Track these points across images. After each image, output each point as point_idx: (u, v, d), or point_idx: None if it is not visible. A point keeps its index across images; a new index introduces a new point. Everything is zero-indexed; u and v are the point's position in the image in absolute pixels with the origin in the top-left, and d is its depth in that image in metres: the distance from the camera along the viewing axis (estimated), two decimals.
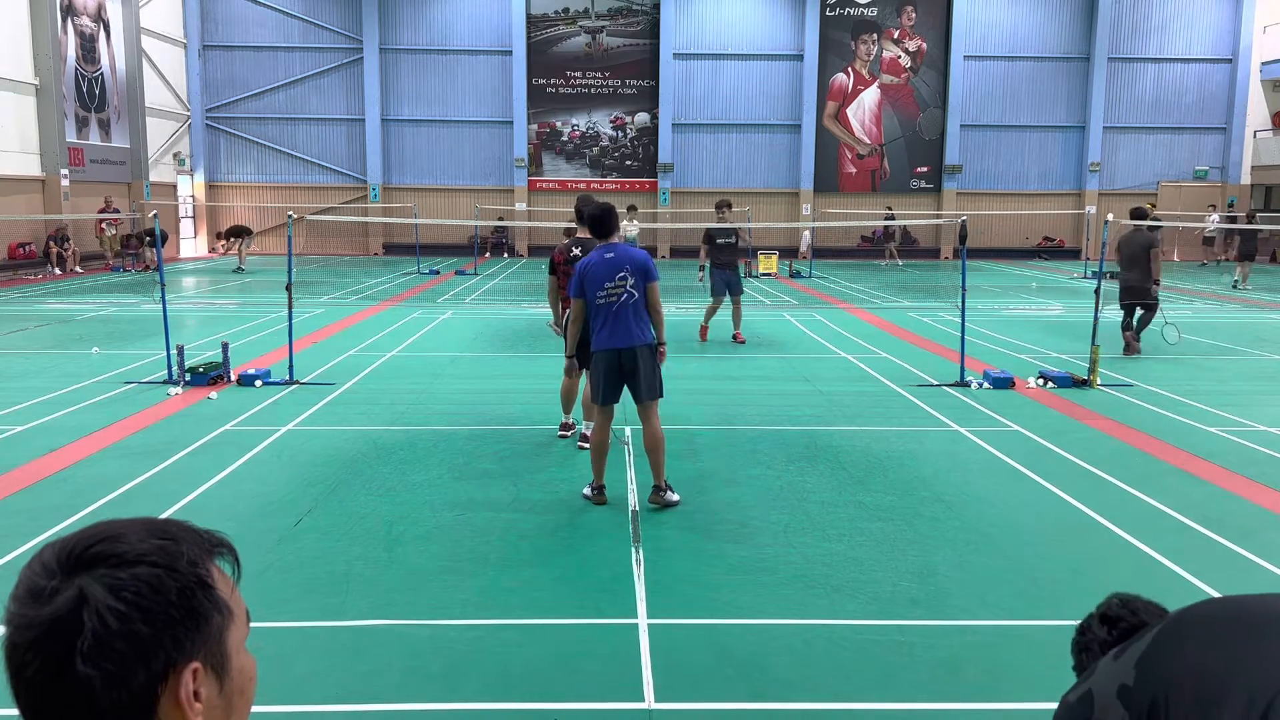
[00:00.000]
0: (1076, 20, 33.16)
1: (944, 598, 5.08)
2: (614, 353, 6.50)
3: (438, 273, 25.47)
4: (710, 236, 13.88)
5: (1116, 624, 1.35)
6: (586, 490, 6.70)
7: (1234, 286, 22.78)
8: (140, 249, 25.68)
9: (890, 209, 31.35)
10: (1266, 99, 33.20)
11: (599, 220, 6.74)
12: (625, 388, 6.67)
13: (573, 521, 6.26)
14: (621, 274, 6.48)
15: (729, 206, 14.22)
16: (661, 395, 6.60)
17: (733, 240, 13.69)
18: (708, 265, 14.11)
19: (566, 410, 8.40)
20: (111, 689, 0.92)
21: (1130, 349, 12.74)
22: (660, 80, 32.69)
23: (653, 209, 32.51)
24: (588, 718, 3.95)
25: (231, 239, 27.74)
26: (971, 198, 33.40)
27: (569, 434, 8.33)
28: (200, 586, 0.99)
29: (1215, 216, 29.77)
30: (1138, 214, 13.33)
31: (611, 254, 6.55)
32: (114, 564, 0.95)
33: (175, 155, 31.55)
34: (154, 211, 12.35)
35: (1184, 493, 6.91)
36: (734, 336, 13.85)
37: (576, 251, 7.96)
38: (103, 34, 27.27)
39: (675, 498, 6.56)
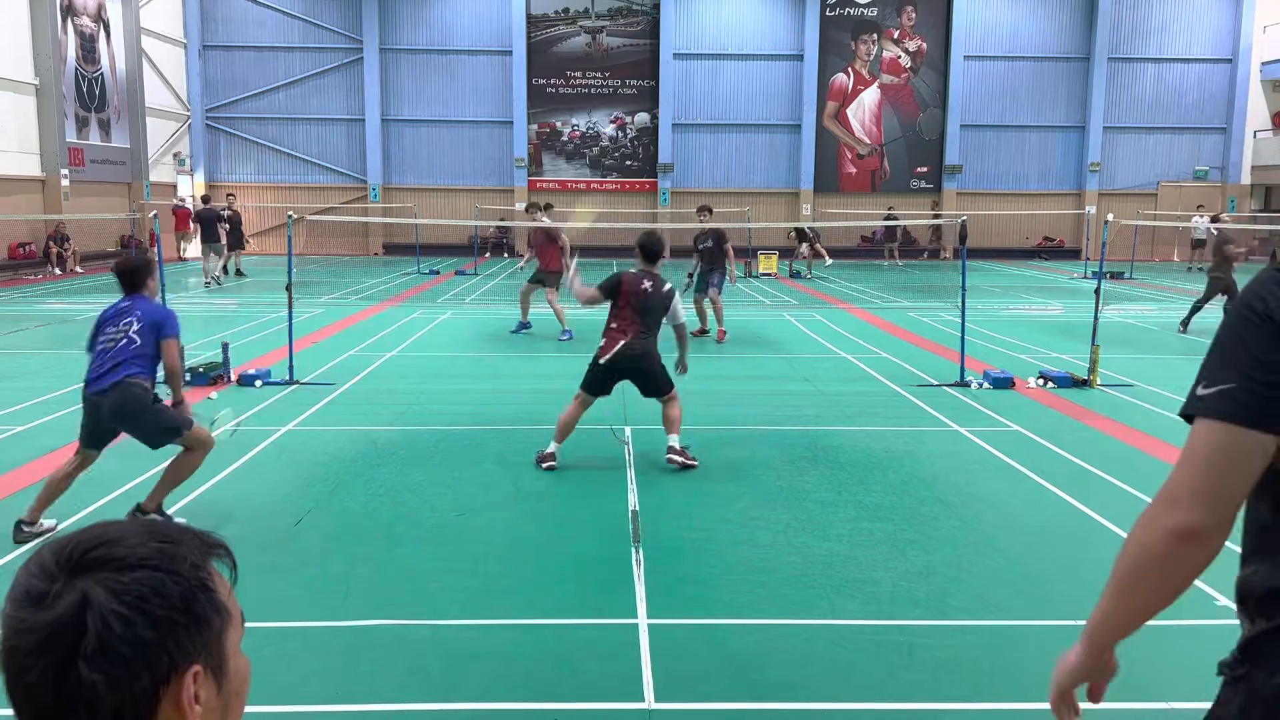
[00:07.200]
0: (1076, 20, 33.15)
1: (944, 598, 5.08)
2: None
3: (438, 273, 25.46)
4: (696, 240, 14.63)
5: None
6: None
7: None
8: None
9: (892, 208, 31.28)
10: (1266, 99, 33.18)
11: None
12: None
13: (573, 521, 6.26)
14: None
15: (708, 211, 15.02)
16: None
17: (708, 243, 14.21)
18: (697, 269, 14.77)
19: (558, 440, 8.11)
20: (114, 693, 0.92)
21: None
22: (660, 80, 32.67)
23: (653, 209, 32.49)
24: (588, 718, 3.95)
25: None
26: (971, 198, 33.38)
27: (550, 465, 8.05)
28: (202, 590, 0.99)
29: (1205, 219, 29.21)
30: None
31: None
32: (116, 568, 0.95)
33: (175, 155, 31.53)
34: (154, 212, 12.35)
35: None
36: (708, 331, 14.18)
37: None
38: (103, 34, 27.25)
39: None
